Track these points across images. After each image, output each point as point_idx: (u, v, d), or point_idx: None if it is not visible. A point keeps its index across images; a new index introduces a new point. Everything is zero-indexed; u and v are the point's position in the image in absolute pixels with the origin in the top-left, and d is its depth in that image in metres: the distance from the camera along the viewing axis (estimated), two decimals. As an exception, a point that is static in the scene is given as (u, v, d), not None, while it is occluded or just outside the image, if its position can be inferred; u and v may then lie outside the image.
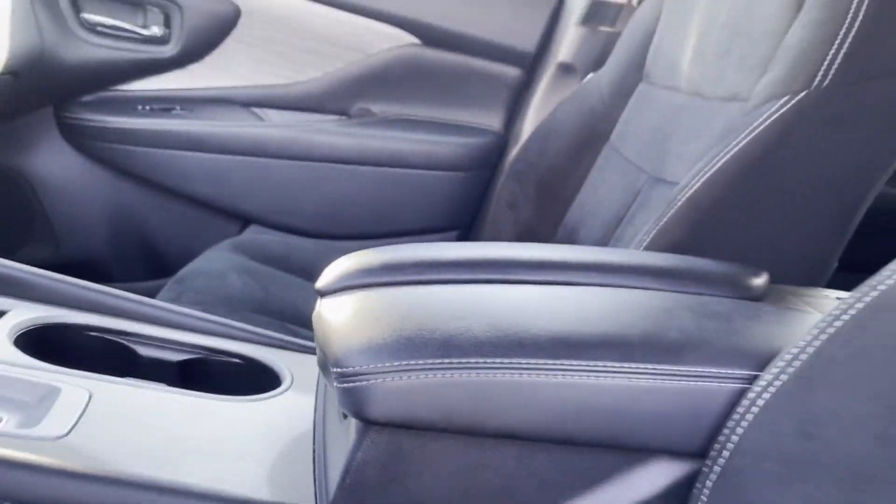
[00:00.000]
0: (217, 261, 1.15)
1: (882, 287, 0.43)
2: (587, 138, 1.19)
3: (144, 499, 0.44)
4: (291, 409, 0.60)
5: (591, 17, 1.40)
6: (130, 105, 1.42)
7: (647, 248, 0.79)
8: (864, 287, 0.44)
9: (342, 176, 1.42)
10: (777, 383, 0.44)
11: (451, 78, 1.48)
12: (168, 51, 1.40)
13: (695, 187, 0.77)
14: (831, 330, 0.44)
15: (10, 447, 0.46)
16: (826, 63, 0.74)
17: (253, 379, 0.65)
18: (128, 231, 1.42)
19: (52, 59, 1.27)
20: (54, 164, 1.37)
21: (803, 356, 0.44)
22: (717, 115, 0.88)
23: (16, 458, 0.44)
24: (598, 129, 1.18)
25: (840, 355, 0.43)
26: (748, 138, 0.76)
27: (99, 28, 1.35)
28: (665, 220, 0.78)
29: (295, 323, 0.99)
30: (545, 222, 1.22)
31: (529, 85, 1.49)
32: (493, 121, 1.49)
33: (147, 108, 1.42)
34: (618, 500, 0.50)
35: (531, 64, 1.48)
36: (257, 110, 1.47)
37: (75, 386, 0.54)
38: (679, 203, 0.77)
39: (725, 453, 0.45)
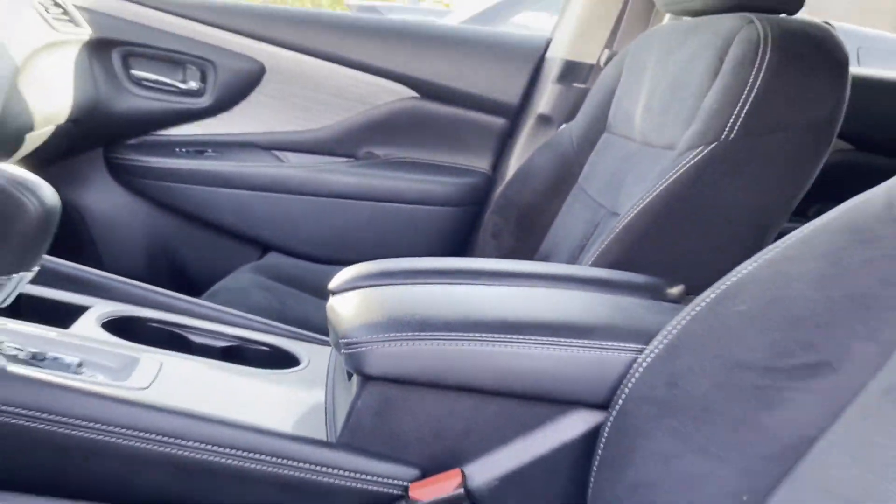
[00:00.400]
0: (241, 280, 1.29)
1: (725, 284, 0.60)
2: (560, 179, 1.30)
3: (205, 427, 0.61)
4: (306, 380, 0.77)
5: (565, 76, 1.51)
6: (170, 148, 1.53)
7: (592, 265, 0.95)
8: (715, 284, 0.61)
9: (349, 210, 1.53)
10: (656, 352, 0.61)
11: (446, 126, 1.58)
12: (203, 102, 1.52)
13: (629, 217, 0.93)
14: (693, 313, 0.61)
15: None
16: (731, 120, 0.91)
17: (277, 361, 0.82)
18: (163, 255, 1.53)
19: (105, 109, 1.41)
20: (102, 197, 1.49)
21: (674, 332, 0.61)
22: (659, 160, 1.01)
23: (116, 395, 0.62)
24: (569, 172, 1.29)
25: (696, 330, 0.60)
26: (671, 179, 0.92)
27: (145, 82, 1.49)
28: (606, 243, 0.94)
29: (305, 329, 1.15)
30: (524, 250, 1.32)
31: (513, 133, 1.59)
32: (481, 163, 1.59)
33: (184, 150, 1.53)
34: (549, 442, 0.66)
35: (514, 115, 1.58)
36: (278, 153, 1.57)
37: (149, 357, 0.72)
38: (617, 230, 0.94)
39: (620, 402, 0.62)
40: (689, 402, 0.58)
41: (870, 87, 1.59)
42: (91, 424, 0.59)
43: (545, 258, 1.28)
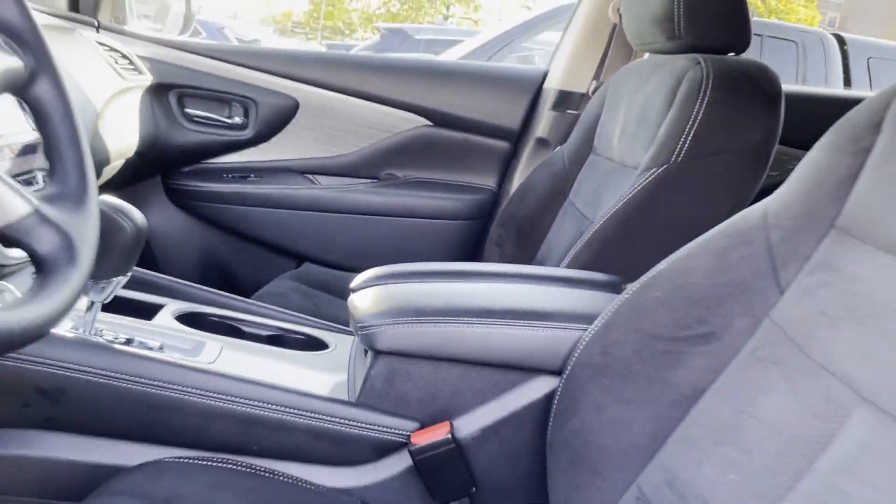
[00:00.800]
0: (281, 286, 1.47)
1: (646, 277, 0.78)
2: (553, 195, 1.46)
3: (258, 389, 0.81)
4: (333, 359, 0.97)
5: (559, 104, 1.67)
6: (218, 174, 1.69)
7: (567, 266, 1.13)
8: (640, 278, 0.79)
9: (373, 225, 1.68)
10: (595, 329, 0.79)
11: (456, 149, 1.73)
12: (246, 134, 1.68)
13: (597, 225, 1.11)
14: (622, 300, 0.79)
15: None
16: (679, 146, 1.08)
17: (310, 346, 1.02)
18: (214, 265, 1.69)
19: (163, 142, 1.59)
20: (161, 217, 1.65)
21: (608, 314, 0.79)
22: (629, 178, 1.18)
23: (192, 365, 0.82)
24: (561, 188, 1.45)
25: (624, 312, 0.78)
26: (632, 194, 1.10)
27: (197, 118, 1.65)
28: (579, 247, 1.12)
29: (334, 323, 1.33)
30: (523, 257, 1.47)
31: (515, 154, 1.73)
32: (488, 181, 1.74)
33: (230, 176, 1.69)
34: (519, 401, 0.84)
35: (516, 139, 1.73)
36: (311, 176, 1.72)
37: (212, 342, 0.92)
38: (587, 236, 1.12)
39: (569, 368, 0.80)
40: (617, 366, 0.76)
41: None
42: (174, 386, 0.79)
43: (540, 263, 1.45)
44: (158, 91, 1.60)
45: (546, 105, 1.69)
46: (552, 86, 1.70)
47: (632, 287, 0.78)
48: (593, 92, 1.59)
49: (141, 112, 1.52)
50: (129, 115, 1.46)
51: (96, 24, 1.53)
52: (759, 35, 4.24)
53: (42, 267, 0.55)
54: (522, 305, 0.85)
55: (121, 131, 1.40)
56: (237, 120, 1.68)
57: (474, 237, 1.72)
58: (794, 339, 0.65)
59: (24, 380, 0.76)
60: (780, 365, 0.65)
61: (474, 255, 1.71)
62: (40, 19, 0.62)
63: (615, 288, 0.97)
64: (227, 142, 1.69)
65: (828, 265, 0.66)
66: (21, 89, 0.61)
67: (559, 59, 1.70)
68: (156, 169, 1.66)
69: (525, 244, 1.50)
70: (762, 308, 0.69)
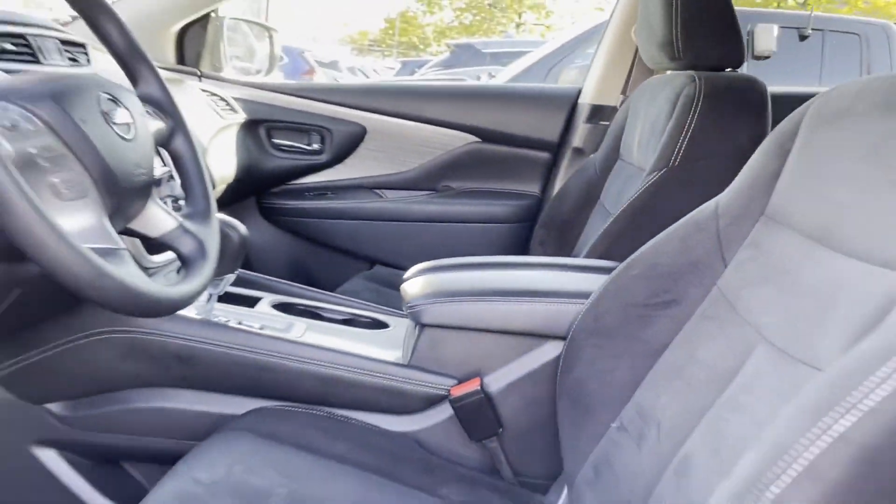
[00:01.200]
0: (355, 285, 1.74)
1: (630, 259, 0.99)
2: (587, 198, 1.65)
3: (336, 355, 1.06)
4: (393, 335, 1.21)
5: (592, 117, 1.85)
6: (301, 192, 1.94)
7: (586, 255, 1.34)
8: (626, 260, 1.00)
9: (432, 231, 1.90)
10: (590, 302, 1.00)
11: (502, 161, 1.92)
12: (323, 158, 1.91)
13: (612, 220, 1.32)
14: (611, 278, 1.00)
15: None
16: (675, 152, 1.27)
17: (375, 326, 1.27)
18: (299, 270, 1.93)
19: (256, 168, 1.85)
20: (255, 231, 1.89)
21: (601, 290, 1.00)
22: (642, 180, 1.41)
23: (286, 338, 1.09)
24: (594, 192, 1.64)
25: (611, 288, 0.98)
26: (638, 194, 1.29)
27: (282, 147, 1.90)
28: (595, 240, 1.33)
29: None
30: (562, 254, 1.66)
31: (555, 163, 1.92)
32: (532, 188, 1.93)
33: (311, 194, 1.93)
34: (534, 361, 1.06)
35: (556, 149, 1.92)
36: (378, 191, 1.94)
37: (300, 323, 1.19)
38: (603, 229, 1.33)
39: (571, 333, 1.02)
40: (605, 329, 0.97)
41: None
42: (272, 353, 1.06)
43: (575, 257, 1.65)
44: (250, 126, 1.87)
45: (581, 118, 1.89)
46: (586, 101, 1.89)
47: (618, 268, 1.00)
48: (621, 105, 1.78)
49: (237, 144, 1.80)
50: (228, 147, 1.75)
51: (199, 73, 1.82)
52: (821, 30, 4.26)
53: (185, 262, 0.83)
54: (536, 286, 1.07)
55: (222, 162, 1.69)
56: (315, 146, 1.93)
57: (521, 238, 1.93)
58: (729, 300, 0.85)
59: (166, 350, 1.04)
60: (718, 320, 0.85)
61: (521, 254, 1.90)
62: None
63: (610, 272, 1.18)
64: (308, 165, 1.94)
65: (755, 244, 0.86)
66: (165, 143, 0.89)
67: (591, 77, 1.90)
68: (250, 191, 1.94)
69: (564, 242, 1.70)
70: (711, 279, 0.90)
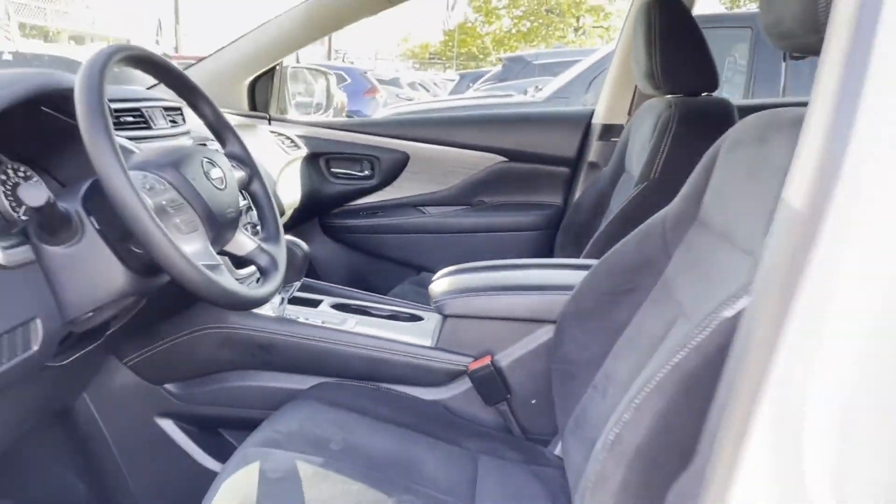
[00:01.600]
0: (404, 289, 2.04)
1: (604, 256, 1.26)
2: (599, 206, 1.90)
3: (380, 341, 1.37)
4: (424, 325, 1.50)
5: (604, 134, 2.09)
6: (357, 212, 2.24)
7: (585, 256, 1.61)
8: (601, 258, 1.27)
9: (470, 240, 2.16)
10: (574, 291, 1.28)
11: (528, 177, 2.17)
12: (373, 182, 2.21)
13: (606, 224, 1.58)
14: (589, 272, 1.27)
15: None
16: (654, 168, 1.53)
17: (412, 319, 1.58)
18: (357, 279, 2.23)
19: (317, 194, 2.17)
20: (319, 246, 2.21)
21: (581, 282, 1.28)
22: (630, 190, 1.67)
23: (343, 328, 1.40)
24: (604, 201, 1.89)
25: (589, 280, 1.25)
26: (627, 202, 1.56)
27: (339, 175, 2.22)
28: (595, 240, 1.60)
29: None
30: (579, 256, 1.94)
31: (573, 176, 2.16)
32: (554, 199, 2.18)
33: (364, 213, 2.22)
34: (533, 342, 1.33)
35: (574, 164, 2.16)
36: (421, 208, 2.21)
37: (353, 318, 1.50)
38: (600, 232, 1.59)
39: (559, 318, 1.29)
40: (583, 313, 1.24)
41: None
42: (331, 341, 1.37)
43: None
44: (312, 158, 2.20)
45: (594, 136, 2.14)
46: (598, 121, 2.15)
47: (595, 265, 1.27)
48: (626, 124, 2.03)
49: (301, 175, 2.13)
50: (294, 178, 2.09)
51: (268, 117, 2.17)
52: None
53: (262, 273, 1.15)
54: (533, 282, 1.35)
55: (290, 190, 2.04)
56: (367, 172, 2.25)
57: (547, 244, 2.19)
58: (667, 285, 1.11)
59: (252, 340, 1.37)
60: (660, 302, 1.11)
61: (547, 257, 2.16)
62: (233, 120, 1.21)
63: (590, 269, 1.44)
64: (361, 189, 2.25)
65: (688, 243, 1.12)
66: (245, 186, 1.22)
67: (602, 99, 2.16)
68: (313, 213, 2.26)
69: (581, 245, 1.95)
70: (659, 271, 1.16)
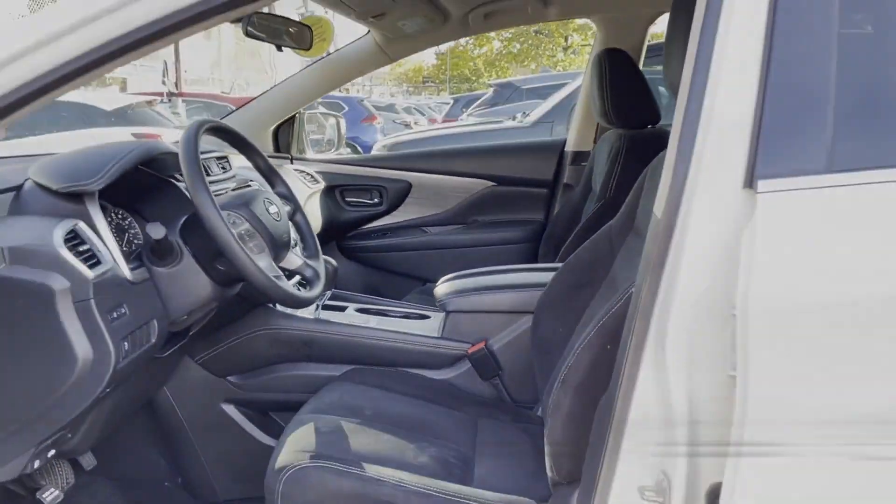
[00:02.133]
0: (412, 298, 2.42)
1: (569, 258, 1.63)
2: (573, 221, 2.26)
3: (396, 335, 1.74)
4: (431, 322, 1.86)
5: (575, 160, 2.46)
6: (368, 234, 2.59)
7: (560, 259, 1.98)
8: (570, 257, 1.64)
9: (467, 255, 2.51)
10: (546, 287, 1.65)
11: (513, 199, 2.52)
12: (382, 208, 2.58)
13: (573, 237, 1.96)
14: (561, 269, 1.65)
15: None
16: (609, 188, 1.91)
17: (420, 317, 1.94)
18: (370, 291, 2.48)
19: (334, 220, 2.52)
20: (338, 264, 2.68)
21: (551, 279, 1.65)
22: (593, 206, 2.05)
23: (365, 325, 1.77)
24: (577, 216, 2.26)
25: (560, 276, 1.63)
26: (590, 215, 1.94)
27: (352, 203, 2.58)
28: (566, 246, 1.97)
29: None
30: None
31: (552, 196, 2.52)
32: (537, 215, 2.53)
33: (375, 234, 2.57)
34: (519, 329, 1.70)
35: (551, 186, 2.52)
36: (424, 228, 2.57)
37: (374, 318, 1.87)
38: (569, 239, 1.97)
39: (537, 308, 1.66)
40: (553, 304, 1.61)
41: None
42: (359, 336, 1.74)
43: (566, 264, 2.28)
44: (328, 191, 2.57)
45: (567, 161, 2.52)
46: (570, 148, 2.53)
47: (566, 263, 1.64)
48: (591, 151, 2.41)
49: (320, 205, 2.50)
50: (314, 209, 2.46)
51: (290, 157, 2.56)
52: None
53: (308, 282, 1.53)
54: (516, 282, 1.73)
55: (311, 219, 2.37)
56: (376, 200, 2.63)
57: (533, 254, 2.55)
58: (612, 275, 1.49)
59: (296, 338, 1.74)
60: (606, 285, 1.49)
61: None
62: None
63: (573, 270, 1.82)
64: (371, 214, 2.63)
65: (627, 245, 1.49)
66: (291, 217, 1.61)
67: (572, 130, 2.54)
68: (331, 237, 2.63)
69: (560, 256, 2.34)
70: (606, 267, 1.53)
